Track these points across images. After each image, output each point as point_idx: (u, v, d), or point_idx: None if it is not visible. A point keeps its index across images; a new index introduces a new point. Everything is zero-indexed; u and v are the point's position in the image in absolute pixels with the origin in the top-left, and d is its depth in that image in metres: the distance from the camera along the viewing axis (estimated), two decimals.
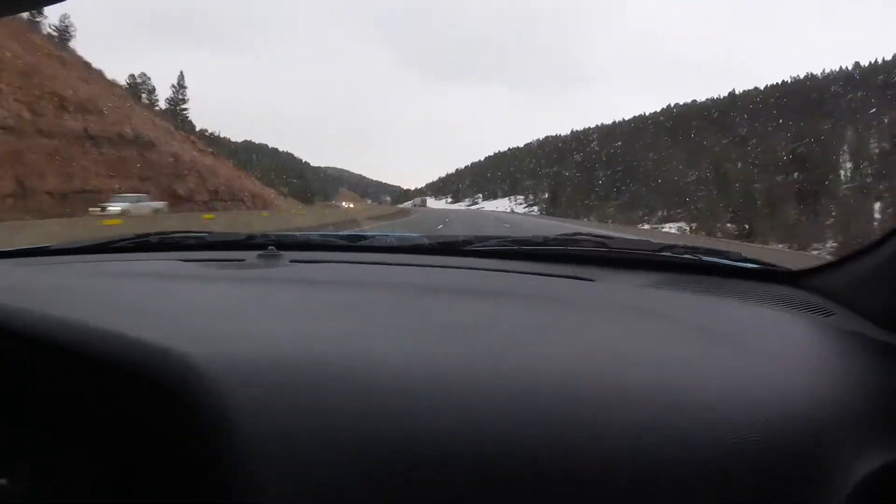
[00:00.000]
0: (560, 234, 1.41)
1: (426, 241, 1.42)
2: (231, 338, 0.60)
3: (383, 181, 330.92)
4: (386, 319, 0.73)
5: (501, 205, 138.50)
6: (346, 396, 0.49)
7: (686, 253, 1.23)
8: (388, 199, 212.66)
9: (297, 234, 1.60)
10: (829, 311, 0.87)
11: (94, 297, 0.78)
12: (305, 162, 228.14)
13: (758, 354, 0.65)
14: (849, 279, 0.90)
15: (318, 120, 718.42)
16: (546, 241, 1.34)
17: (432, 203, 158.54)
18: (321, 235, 1.54)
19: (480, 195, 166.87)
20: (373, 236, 1.49)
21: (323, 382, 0.50)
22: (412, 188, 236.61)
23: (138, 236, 1.42)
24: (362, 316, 0.74)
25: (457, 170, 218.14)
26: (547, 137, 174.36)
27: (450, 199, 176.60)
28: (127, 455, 0.51)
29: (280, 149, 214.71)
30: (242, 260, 1.14)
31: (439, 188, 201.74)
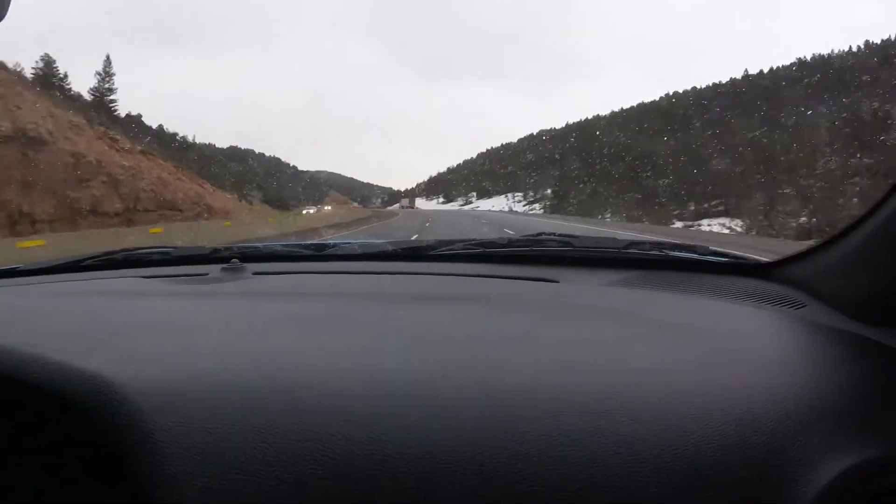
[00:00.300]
0: (525, 235, 1.40)
1: (391, 247, 1.41)
2: (168, 358, 0.61)
3: (375, 183, 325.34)
4: (348, 331, 0.72)
5: (498, 203, 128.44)
6: (286, 415, 0.48)
7: (653, 249, 1.22)
8: (380, 200, 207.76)
9: (261, 245, 1.57)
10: (800, 303, 0.85)
11: (40, 320, 0.80)
12: (293, 166, 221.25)
13: (725, 352, 0.63)
14: (819, 270, 0.87)
15: (310, 125, 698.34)
16: (511, 242, 1.34)
17: (422, 204, 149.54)
18: (285, 246, 1.51)
19: (474, 194, 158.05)
20: (337, 244, 1.47)
21: (261, 402, 0.50)
22: (404, 189, 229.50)
23: (105, 254, 1.42)
24: (319, 329, 0.73)
25: (448, 168, 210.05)
26: (542, 131, 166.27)
27: (441, 199, 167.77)
28: (53, 478, 0.52)
29: (266, 153, 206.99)
30: (206, 274, 1.16)
31: (431, 188, 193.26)
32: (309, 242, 1.52)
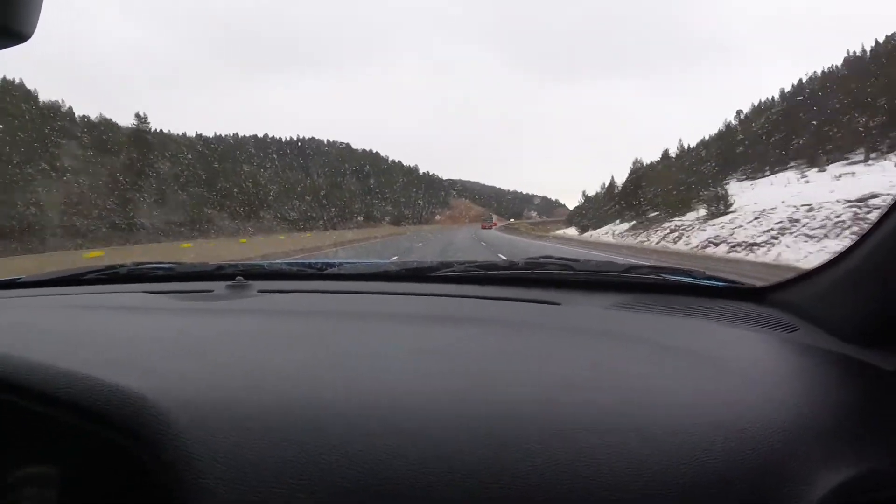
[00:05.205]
0: (527, 258, 1.41)
1: (394, 268, 1.41)
2: (189, 374, 0.62)
3: (540, 194, 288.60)
4: (351, 351, 0.74)
5: None
6: (305, 429, 0.50)
7: (651, 273, 1.24)
8: (534, 214, 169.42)
9: (266, 263, 1.60)
10: (792, 326, 0.87)
11: (58, 333, 0.81)
12: (414, 168, 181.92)
13: (721, 374, 0.65)
14: (811, 294, 0.90)
15: (461, 136, 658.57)
16: (512, 265, 1.36)
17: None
18: (289, 264, 1.52)
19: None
20: (342, 264, 1.47)
21: (281, 417, 0.52)
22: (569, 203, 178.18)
23: (108, 268, 1.42)
24: (326, 348, 0.75)
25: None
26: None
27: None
28: (81, 488, 0.53)
29: (390, 157, 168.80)
30: (211, 291, 1.17)
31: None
32: (313, 261, 1.49)
